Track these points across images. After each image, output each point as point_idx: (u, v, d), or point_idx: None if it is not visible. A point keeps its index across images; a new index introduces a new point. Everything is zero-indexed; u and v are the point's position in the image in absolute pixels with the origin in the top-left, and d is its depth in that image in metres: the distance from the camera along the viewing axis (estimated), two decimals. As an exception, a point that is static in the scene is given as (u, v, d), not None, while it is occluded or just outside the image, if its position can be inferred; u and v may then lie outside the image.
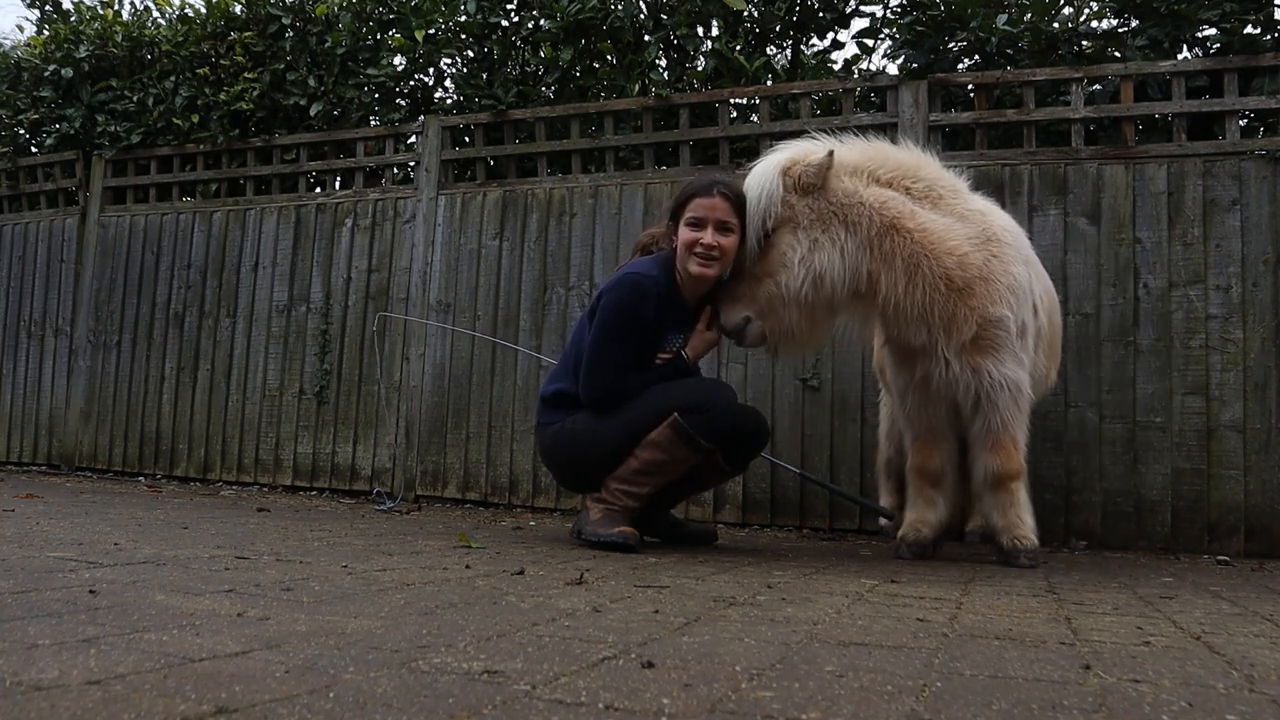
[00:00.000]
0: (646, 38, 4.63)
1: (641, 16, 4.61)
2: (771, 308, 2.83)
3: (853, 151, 2.86)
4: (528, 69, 4.97)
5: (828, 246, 2.76)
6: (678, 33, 4.48)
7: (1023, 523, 2.90)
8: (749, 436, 3.09)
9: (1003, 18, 4.03)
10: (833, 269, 2.75)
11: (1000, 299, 2.78)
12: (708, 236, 2.87)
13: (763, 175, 2.84)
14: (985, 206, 2.95)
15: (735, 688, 1.14)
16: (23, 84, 5.91)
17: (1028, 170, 3.89)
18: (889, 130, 4.11)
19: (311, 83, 5.15)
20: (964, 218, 2.82)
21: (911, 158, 2.91)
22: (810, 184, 2.77)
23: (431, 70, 5.25)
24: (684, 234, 2.91)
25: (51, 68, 5.72)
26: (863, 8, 4.60)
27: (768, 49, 4.71)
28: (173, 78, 5.45)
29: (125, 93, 5.60)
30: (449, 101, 5.26)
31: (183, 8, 5.55)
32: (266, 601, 1.63)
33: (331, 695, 1.03)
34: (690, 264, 2.90)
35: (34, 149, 6.13)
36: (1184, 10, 3.81)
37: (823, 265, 2.75)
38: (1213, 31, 3.91)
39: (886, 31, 4.55)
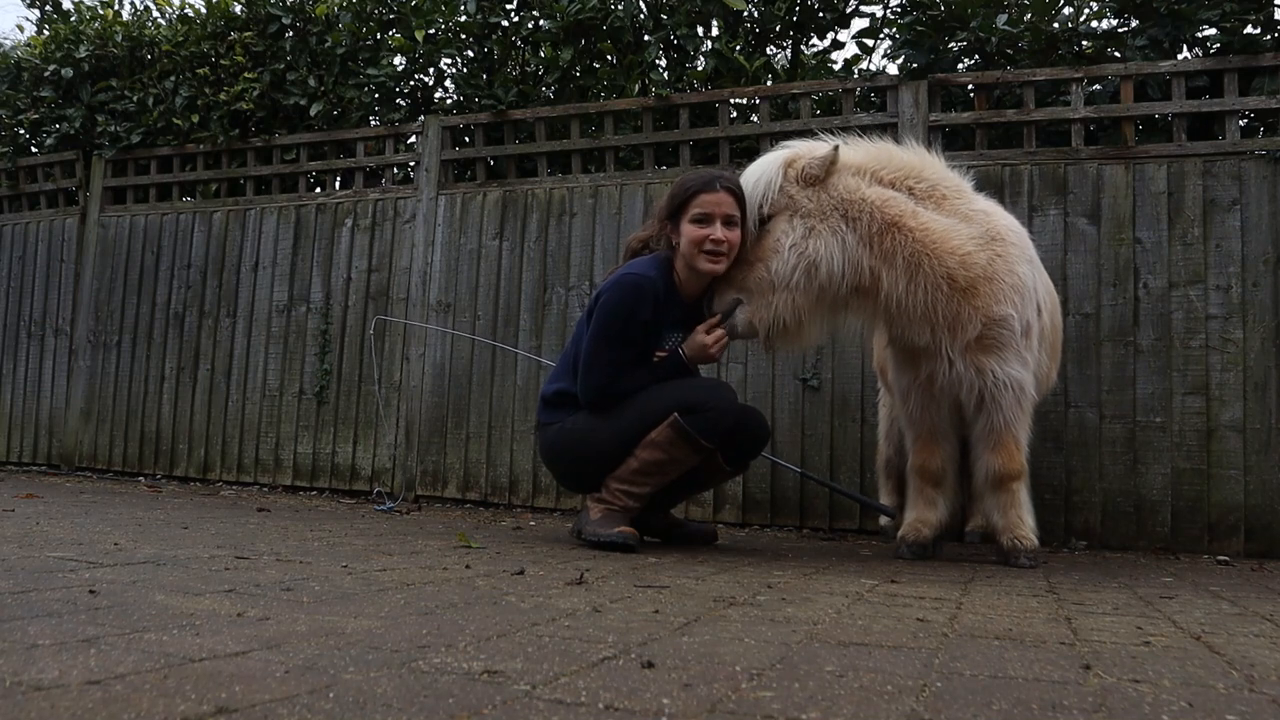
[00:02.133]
0: (646, 38, 4.63)
1: (641, 16, 4.61)
2: (761, 293, 2.81)
3: (857, 151, 2.86)
4: (528, 69, 4.97)
5: (825, 235, 2.75)
6: (678, 33, 4.48)
7: (1023, 523, 2.90)
8: (749, 436, 3.09)
9: (1003, 18, 4.03)
10: (830, 258, 2.74)
11: (1005, 298, 2.78)
12: (717, 231, 2.86)
13: (764, 165, 2.85)
14: (989, 207, 2.94)
15: (735, 688, 1.14)
16: (23, 84, 5.91)
17: (1028, 170, 3.89)
18: (889, 130, 4.11)
19: (311, 83, 5.15)
20: (968, 218, 2.82)
21: (915, 158, 2.90)
22: (813, 176, 2.78)
23: (431, 70, 5.25)
24: (690, 231, 2.89)
25: (51, 68, 5.72)
26: (863, 8, 4.60)
27: (768, 49, 4.71)
28: (173, 78, 5.45)
29: (125, 93, 5.60)
30: (449, 101, 5.26)
31: (183, 8, 5.55)
32: (266, 601, 1.63)
33: (331, 695, 1.03)
34: (700, 261, 2.88)
35: (34, 149, 6.13)
36: (1184, 10, 3.81)
37: (817, 253, 2.74)
38: (1213, 31, 3.91)
39: (886, 31, 4.55)
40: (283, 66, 5.23)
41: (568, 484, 3.26)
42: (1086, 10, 4.11)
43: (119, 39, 5.59)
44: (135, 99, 5.55)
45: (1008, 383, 2.81)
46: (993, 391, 2.82)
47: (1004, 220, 2.93)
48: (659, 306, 2.93)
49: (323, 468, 4.95)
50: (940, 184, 2.85)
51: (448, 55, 5.02)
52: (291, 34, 5.22)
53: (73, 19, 5.92)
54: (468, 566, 2.29)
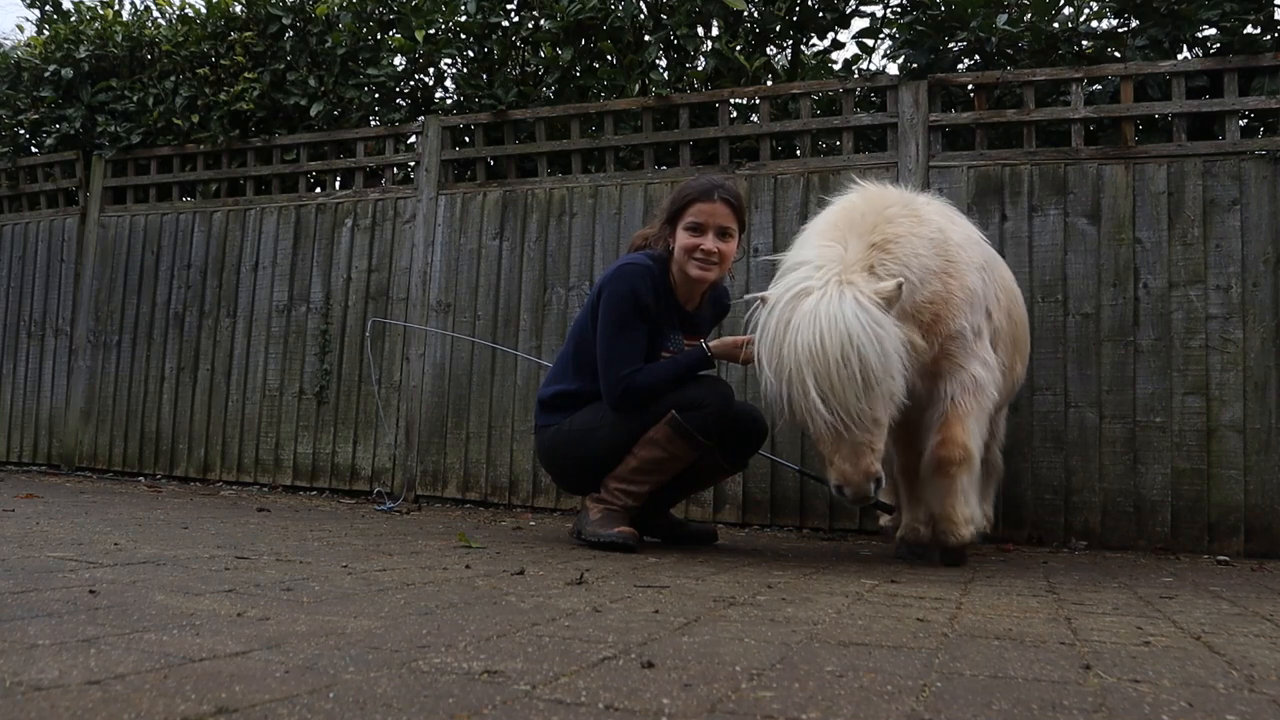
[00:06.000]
0: (646, 38, 4.63)
1: (641, 16, 4.61)
2: None
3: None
4: (528, 69, 4.96)
5: None
6: (678, 33, 4.48)
7: (955, 513, 2.77)
8: (747, 432, 3.09)
9: (1003, 18, 4.03)
10: None
11: (958, 312, 2.78)
12: (708, 242, 2.87)
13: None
14: (941, 221, 2.88)
15: (735, 688, 1.14)
16: (23, 84, 5.91)
17: (1028, 170, 3.89)
18: (889, 130, 4.11)
19: (312, 83, 5.15)
20: (929, 248, 2.75)
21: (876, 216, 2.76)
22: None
23: (431, 70, 5.25)
24: (683, 238, 2.90)
25: (51, 68, 5.72)
26: (863, 8, 4.60)
27: (768, 49, 4.71)
28: (173, 78, 5.45)
29: (125, 93, 5.60)
30: (449, 101, 5.26)
31: (183, 8, 5.55)
32: (266, 601, 1.63)
33: (331, 695, 1.03)
34: (690, 268, 2.90)
35: (34, 149, 6.13)
36: (1184, 10, 3.81)
37: None
38: (1213, 31, 3.91)
39: (886, 31, 4.55)
40: (283, 66, 5.23)
41: (567, 485, 3.26)
42: (1086, 10, 4.11)
43: (119, 39, 5.59)
44: (135, 99, 5.55)
45: (959, 379, 2.80)
46: (944, 387, 2.81)
47: (955, 233, 2.89)
48: (659, 297, 2.93)
49: (323, 468, 4.94)
50: (896, 235, 2.74)
51: (448, 55, 5.01)
52: (291, 34, 5.22)
53: (73, 19, 5.92)
54: (468, 566, 2.29)
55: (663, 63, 4.76)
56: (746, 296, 2.87)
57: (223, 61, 5.32)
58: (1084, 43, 4.12)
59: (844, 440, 2.49)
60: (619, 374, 2.87)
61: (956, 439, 2.76)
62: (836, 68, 4.66)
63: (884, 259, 2.65)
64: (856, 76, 4.42)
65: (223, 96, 5.26)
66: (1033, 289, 3.78)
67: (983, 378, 2.83)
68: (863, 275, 2.57)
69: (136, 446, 5.45)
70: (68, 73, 5.63)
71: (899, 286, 2.54)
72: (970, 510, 2.81)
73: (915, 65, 4.17)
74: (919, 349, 2.69)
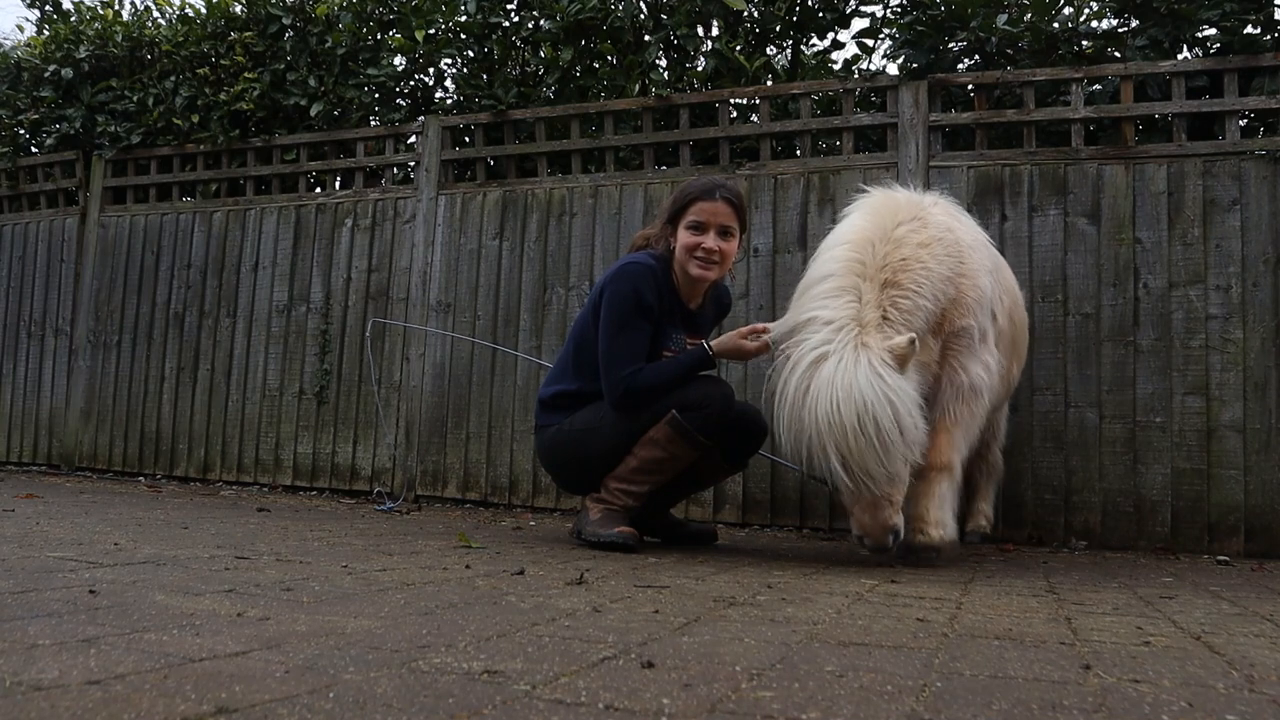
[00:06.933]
0: (646, 38, 4.63)
1: (641, 16, 4.61)
2: None
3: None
4: (528, 69, 4.97)
5: None
6: (678, 33, 4.48)
7: (927, 515, 2.78)
8: (747, 432, 3.09)
9: (1003, 18, 4.03)
10: None
11: (967, 312, 2.80)
12: (710, 241, 2.88)
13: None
14: (950, 221, 2.87)
15: (735, 688, 1.14)
16: (23, 84, 5.91)
17: (1028, 170, 3.89)
18: (889, 130, 4.11)
19: (312, 83, 5.15)
20: (939, 254, 2.75)
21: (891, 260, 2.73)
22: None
23: (431, 70, 5.25)
24: (685, 237, 2.91)
25: (51, 68, 5.72)
26: (863, 8, 4.60)
27: (768, 49, 4.71)
28: (173, 78, 5.45)
29: (125, 93, 5.60)
30: (449, 101, 5.26)
31: (183, 8, 5.55)
32: (266, 601, 1.63)
33: (331, 695, 1.03)
34: (691, 266, 2.90)
35: (34, 149, 6.13)
36: (1184, 10, 3.81)
37: None
38: (1213, 31, 3.91)
39: (886, 31, 4.55)
40: (283, 66, 5.22)
41: (567, 485, 3.26)
42: (1086, 10, 4.11)
43: (119, 39, 5.59)
44: (135, 99, 5.55)
45: (960, 384, 2.82)
46: (940, 394, 2.83)
47: (965, 235, 2.89)
48: (662, 296, 2.93)
49: (323, 468, 4.94)
50: (909, 256, 2.74)
51: (448, 55, 5.01)
52: (291, 34, 5.22)
53: (73, 19, 5.92)
54: (468, 566, 2.29)
55: (663, 63, 4.76)
56: (769, 371, 2.77)
57: (223, 61, 5.32)
58: (1084, 43, 4.12)
59: (864, 493, 2.57)
60: (620, 374, 2.87)
61: (941, 448, 2.80)
62: (836, 68, 4.66)
63: (896, 297, 2.66)
64: (856, 76, 4.42)
65: (223, 96, 5.26)
66: (1033, 289, 3.78)
67: (980, 383, 2.84)
68: (877, 334, 2.59)
69: (136, 446, 5.45)
70: (68, 73, 5.63)
71: (911, 343, 2.56)
72: (942, 515, 2.82)
73: (915, 65, 4.17)
74: (930, 362, 2.74)
